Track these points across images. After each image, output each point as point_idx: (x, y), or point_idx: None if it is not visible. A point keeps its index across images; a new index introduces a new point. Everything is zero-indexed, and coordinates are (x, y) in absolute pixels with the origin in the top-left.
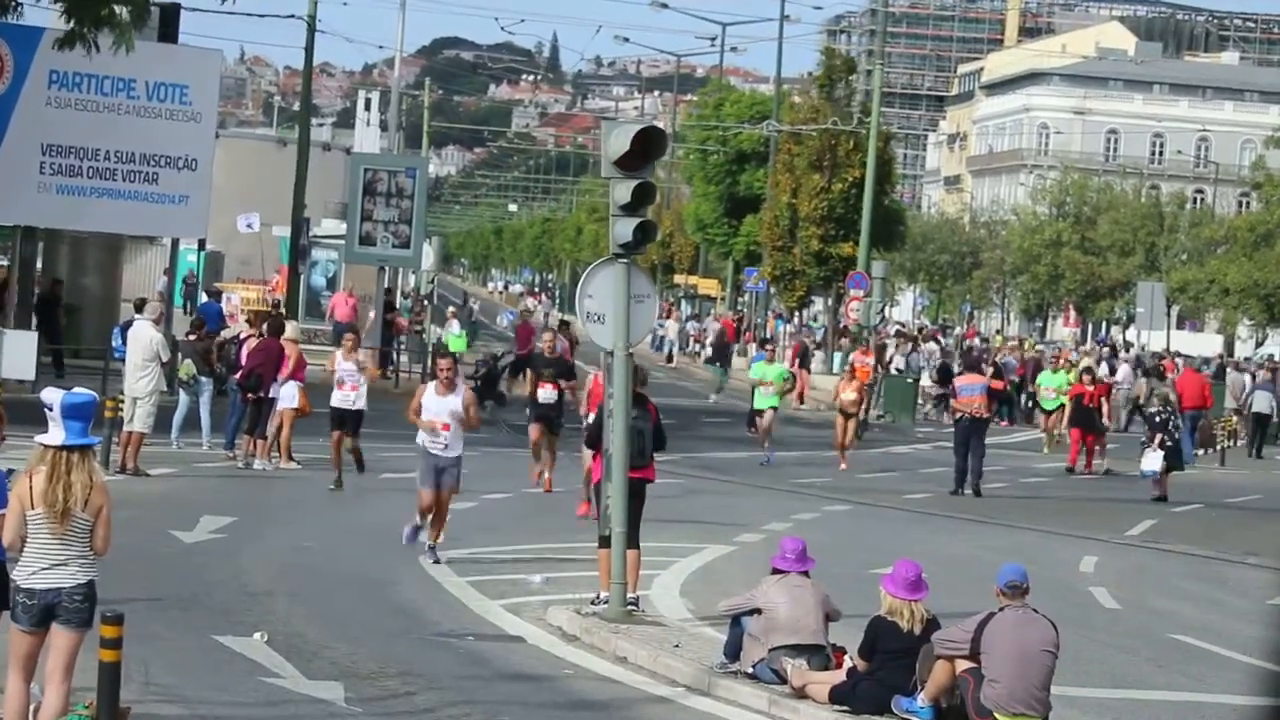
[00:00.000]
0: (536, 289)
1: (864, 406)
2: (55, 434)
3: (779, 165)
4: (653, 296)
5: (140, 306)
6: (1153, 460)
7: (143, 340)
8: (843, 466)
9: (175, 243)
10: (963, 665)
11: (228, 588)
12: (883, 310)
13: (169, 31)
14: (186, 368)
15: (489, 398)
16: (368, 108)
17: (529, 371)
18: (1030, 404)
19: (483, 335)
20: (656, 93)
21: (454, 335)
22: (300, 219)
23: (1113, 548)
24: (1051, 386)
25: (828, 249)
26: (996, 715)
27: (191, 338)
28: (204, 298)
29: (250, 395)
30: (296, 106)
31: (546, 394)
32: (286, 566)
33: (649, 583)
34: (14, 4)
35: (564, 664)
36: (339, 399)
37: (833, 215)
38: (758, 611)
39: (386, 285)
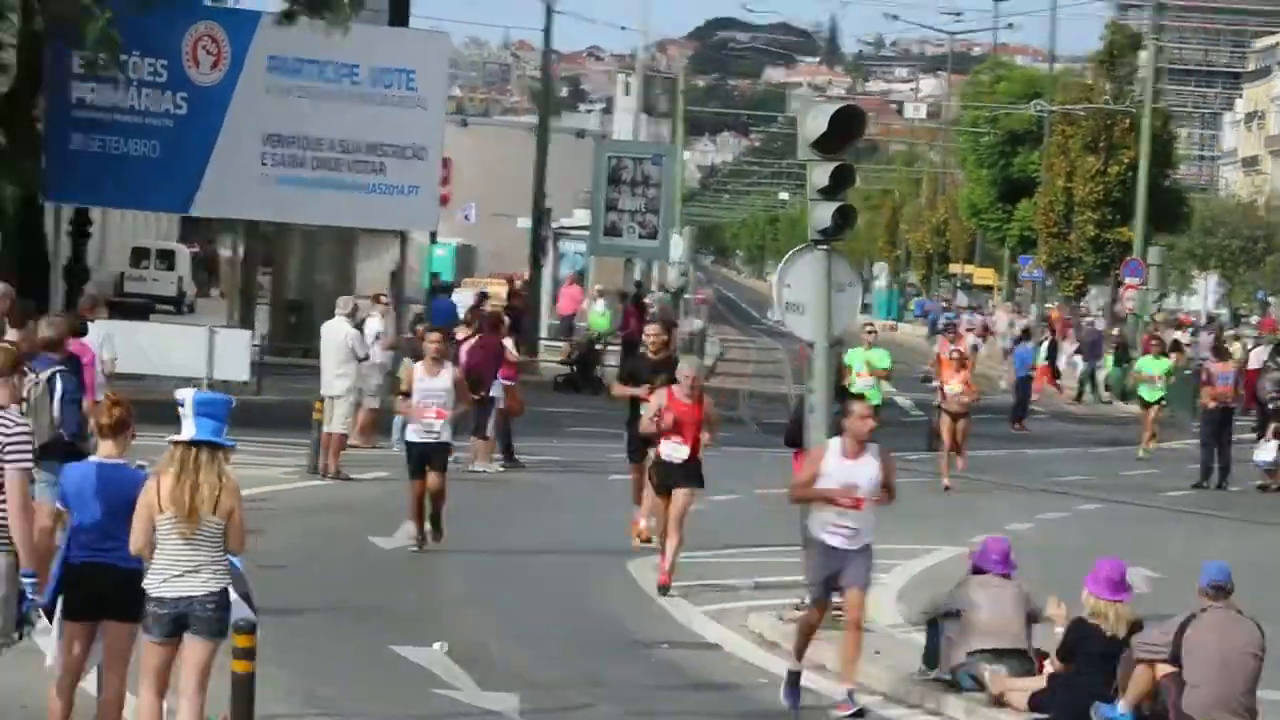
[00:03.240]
0: None
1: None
2: (186, 430)
3: (1053, 147)
4: (855, 284)
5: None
6: (1267, 450)
7: (337, 338)
8: (947, 485)
9: (404, 235)
10: (1163, 670)
11: (418, 596)
12: (1160, 298)
13: (399, 14)
14: (407, 367)
15: (587, 385)
16: (627, 93)
17: (630, 377)
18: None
19: (753, 330)
20: (938, 73)
21: (597, 313)
22: (541, 210)
23: None
24: (1155, 373)
25: (1104, 234)
26: None
27: (410, 337)
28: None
29: (473, 395)
30: (563, 93)
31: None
32: (485, 574)
33: None
34: None
35: (760, 672)
36: (417, 430)
37: (1109, 199)
38: (956, 614)
39: (636, 278)
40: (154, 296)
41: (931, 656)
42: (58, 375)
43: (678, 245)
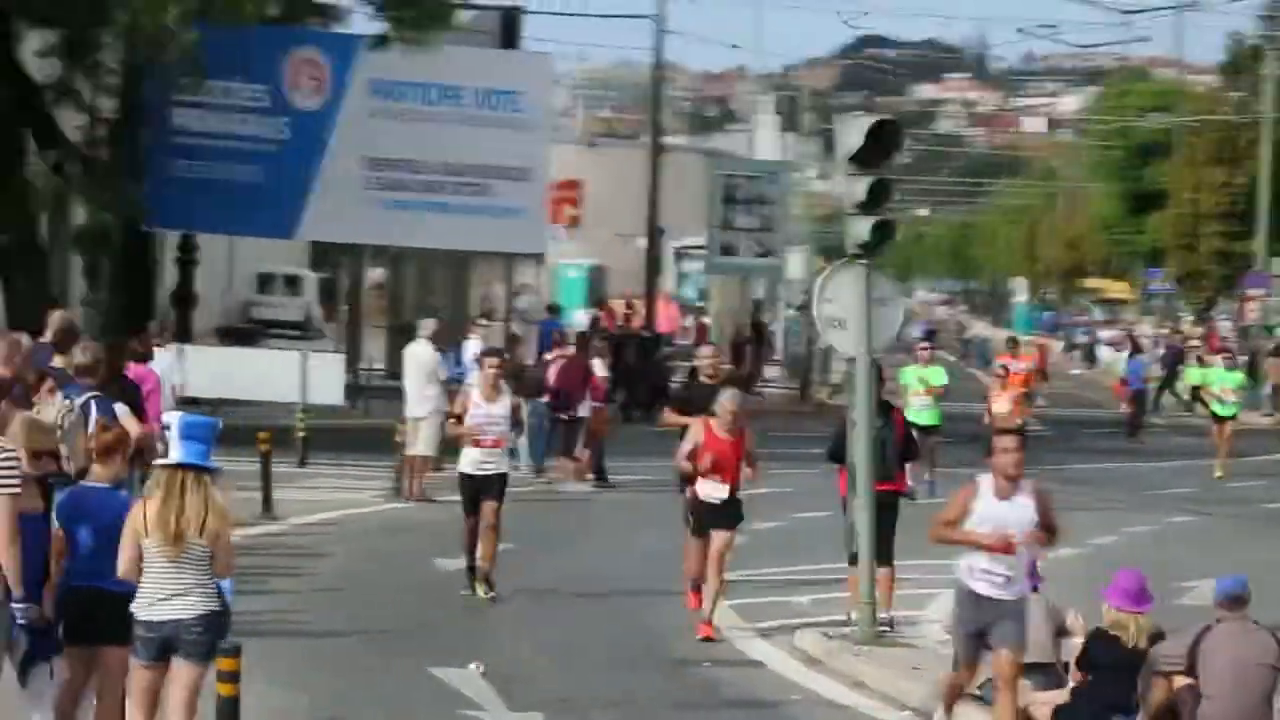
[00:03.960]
0: (954, 297)
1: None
2: (172, 454)
3: (1181, 160)
4: (895, 299)
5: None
6: None
7: (419, 360)
8: None
9: (509, 258)
10: (1180, 681)
11: (468, 618)
12: None
13: (510, 36)
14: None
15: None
16: (768, 113)
17: (674, 408)
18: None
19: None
20: (1090, 88)
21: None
22: (654, 230)
23: None
24: (1230, 387)
25: (1231, 247)
26: None
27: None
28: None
29: (562, 415)
30: (712, 113)
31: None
32: (542, 594)
33: (925, 603)
34: (334, 9)
35: (796, 689)
36: (471, 461)
37: (1235, 211)
38: None
39: (756, 297)
40: (280, 322)
41: None
42: (92, 401)
43: (796, 263)
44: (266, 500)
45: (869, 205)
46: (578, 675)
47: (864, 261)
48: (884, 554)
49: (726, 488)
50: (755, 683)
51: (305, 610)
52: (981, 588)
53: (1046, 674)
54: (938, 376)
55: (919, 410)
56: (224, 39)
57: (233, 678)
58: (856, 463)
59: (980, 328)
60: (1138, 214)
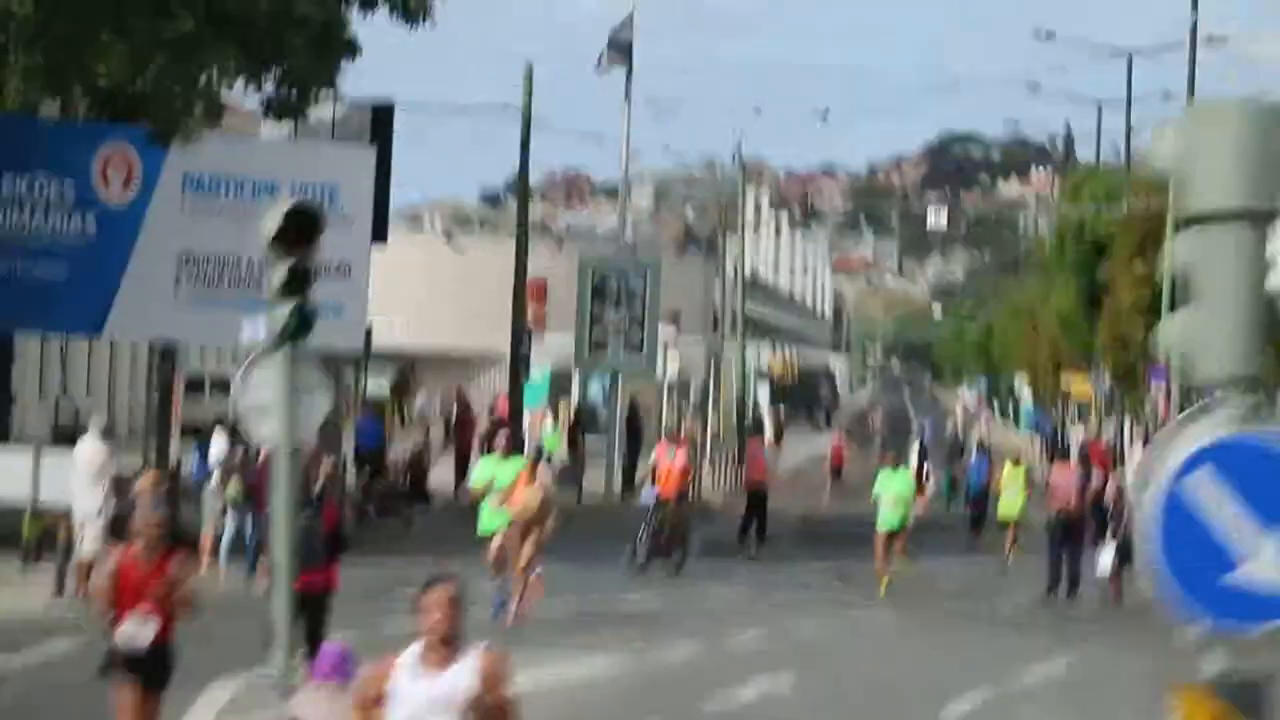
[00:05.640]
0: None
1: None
2: None
3: (1116, 255)
4: (323, 388)
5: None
6: (1106, 553)
7: (85, 457)
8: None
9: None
10: None
11: None
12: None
13: (383, 132)
14: (233, 487)
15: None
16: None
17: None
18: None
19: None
20: None
21: (547, 433)
22: (520, 328)
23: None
24: (890, 493)
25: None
26: None
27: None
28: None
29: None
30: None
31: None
32: None
33: None
34: None
35: None
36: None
37: (1156, 306)
38: None
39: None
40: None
41: None
42: None
43: (675, 360)
44: None
45: (288, 290)
46: None
47: (287, 349)
48: (312, 650)
49: (151, 627)
50: None
51: None
52: None
53: None
54: (505, 475)
55: (496, 514)
56: (25, 132)
57: None
58: (276, 557)
59: (991, 429)
60: (1092, 309)
